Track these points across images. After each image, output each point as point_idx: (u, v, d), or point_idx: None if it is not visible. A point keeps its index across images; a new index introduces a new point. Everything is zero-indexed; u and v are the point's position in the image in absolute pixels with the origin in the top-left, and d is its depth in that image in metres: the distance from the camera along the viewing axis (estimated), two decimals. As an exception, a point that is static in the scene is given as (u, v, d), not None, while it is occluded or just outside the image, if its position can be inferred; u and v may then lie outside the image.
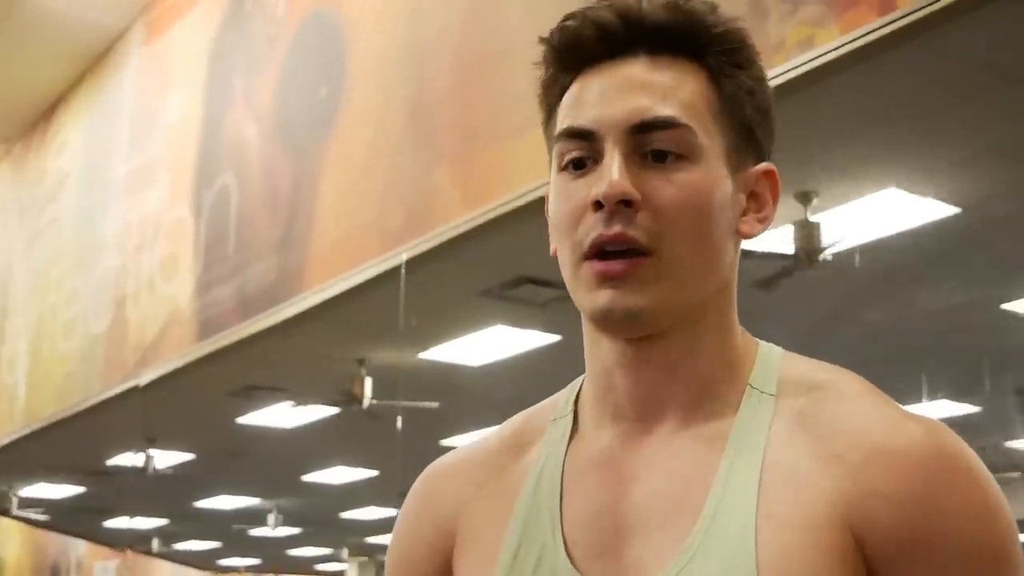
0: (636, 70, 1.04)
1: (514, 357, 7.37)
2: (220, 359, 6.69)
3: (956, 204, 5.25)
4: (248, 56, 6.50)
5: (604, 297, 1.00)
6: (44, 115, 9.26)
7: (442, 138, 4.81)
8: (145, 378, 7.19)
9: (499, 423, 1.19)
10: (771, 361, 1.08)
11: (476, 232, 4.65)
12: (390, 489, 12.72)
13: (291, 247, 5.72)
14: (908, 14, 3.05)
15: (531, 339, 7.05)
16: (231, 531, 16.01)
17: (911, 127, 4.58)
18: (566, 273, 1.05)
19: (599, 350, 1.07)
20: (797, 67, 3.33)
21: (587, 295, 1.02)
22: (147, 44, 7.75)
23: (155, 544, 15.73)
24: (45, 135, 9.28)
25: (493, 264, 5.74)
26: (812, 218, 5.43)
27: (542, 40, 1.08)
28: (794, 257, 5.61)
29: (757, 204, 1.08)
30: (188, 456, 10.80)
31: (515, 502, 1.07)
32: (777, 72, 3.28)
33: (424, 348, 7.00)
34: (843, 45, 3.18)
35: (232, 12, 6.71)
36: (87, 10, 7.74)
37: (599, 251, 1.00)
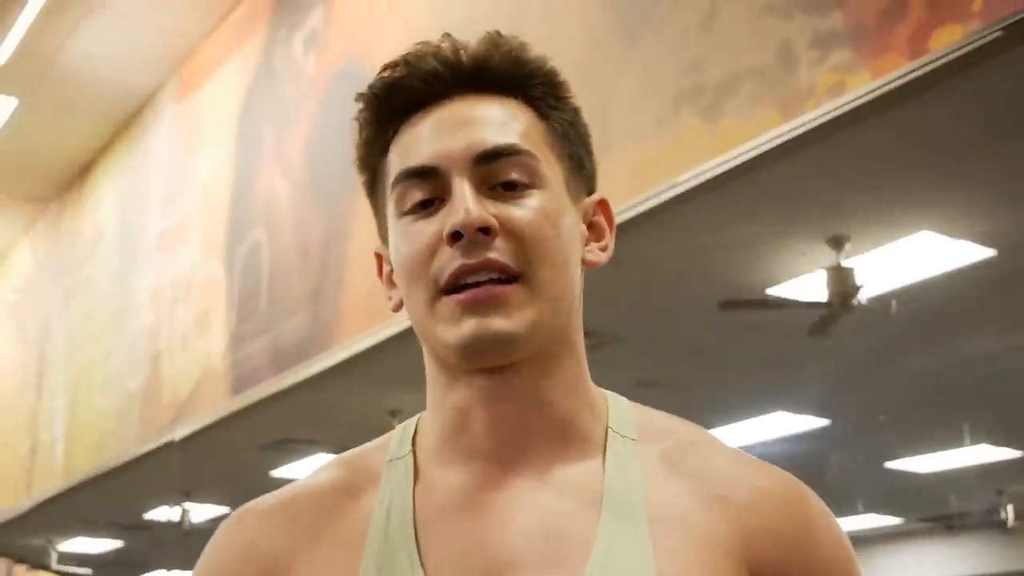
0: (465, 107, 1.03)
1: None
2: (253, 413, 6.68)
3: (991, 246, 5.19)
4: (279, 112, 6.52)
5: (469, 325, 0.97)
6: (79, 175, 9.34)
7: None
8: (180, 433, 7.17)
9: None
10: (623, 406, 1.08)
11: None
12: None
13: (323, 301, 5.71)
14: (938, 59, 3.02)
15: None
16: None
17: (943, 169, 4.54)
18: (418, 315, 1.01)
19: (453, 392, 1.03)
20: (827, 113, 3.30)
21: (448, 328, 0.98)
22: (179, 102, 7.80)
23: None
24: (80, 194, 9.35)
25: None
26: (845, 263, 5.38)
27: (359, 96, 1.05)
28: (828, 304, 5.56)
29: (596, 234, 1.09)
30: (224, 509, 10.77)
31: (362, 548, 1.01)
32: (809, 118, 3.25)
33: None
34: (873, 90, 3.15)
35: (263, 69, 6.74)
36: (120, 71, 7.82)
37: (456, 284, 0.97)
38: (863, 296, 5.48)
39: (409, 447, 1.08)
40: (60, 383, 9.28)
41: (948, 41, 2.92)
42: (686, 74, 3.81)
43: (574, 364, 1.06)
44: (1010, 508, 10.10)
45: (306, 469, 9.07)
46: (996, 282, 5.55)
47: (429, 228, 0.99)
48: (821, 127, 3.27)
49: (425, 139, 1.02)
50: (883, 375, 6.97)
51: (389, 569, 0.99)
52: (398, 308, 1.06)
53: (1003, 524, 10.58)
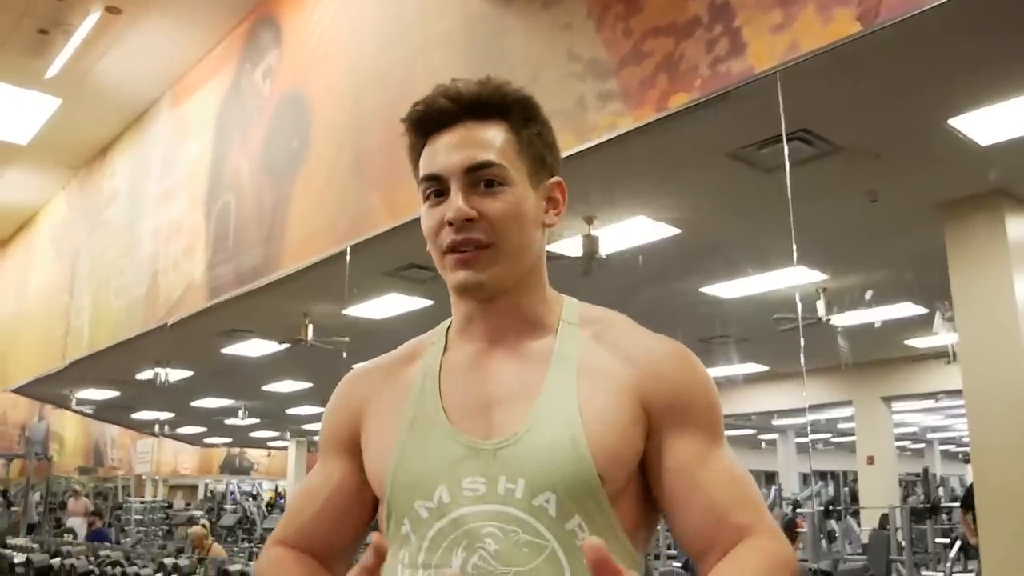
0: (464, 131, 1.03)
1: (403, 314, 7.22)
2: (214, 312, 6.37)
3: (679, 227, 5.32)
4: (243, 117, 6.14)
5: (460, 276, 1.01)
6: (100, 152, 8.65)
7: (375, 176, 4.64)
8: (165, 321, 6.79)
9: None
10: (573, 306, 1.10)
11: (387, 235, 4.52)
12: (319, 395, 12.49)
13: (271, 243, 5.46)
14: (672, 112, 3.04)
15: (413, 303, 6.91)
16: (213, 421, 15.40)
17: (656, 180, 4.62)
18: (436, 263, 1.05)
19: (462, 305, 1.08)
20: (604, 141, 3.27)
21: (450, 275, 1.03)
22: (173, 108, 7.27)
23: (164, 429, 14.99)
24: (101, 165, 8.66)
25: (393, 255, 5.59)
26: (593, 233, 5.43)
27: (403, 120, 1.06)
28: (582, 258, 5.61)
29: (553, 205, 1.08)
30: (189, 373, 10.32)
31: (408, 393, 1.06)
32: (592, 143, 3.22)
33: (346, 307, 6.80)
34: (633, 129, 3.13)
35: (233, 88, 6.32)
36: (131, 85, 7.24)
37: (453, 249, 1.01)
38: (603, 253, 5.55)
39: (443, 334, 1.10)
40: (86, 289, 8.65)
41: (680, 102, 2.94)
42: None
43: (538, 287, 1.08)
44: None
45: (246, 349, 8.76)
46: (682, 250, 5.72)
47: (437, 214, 1.02)
48: (597, 147, 3.25)
49: (438, 155, 1.03)
50: (606, 303, 7.09)
51: (423, 405, 1.03)
52: (428, 251, 1.06)
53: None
